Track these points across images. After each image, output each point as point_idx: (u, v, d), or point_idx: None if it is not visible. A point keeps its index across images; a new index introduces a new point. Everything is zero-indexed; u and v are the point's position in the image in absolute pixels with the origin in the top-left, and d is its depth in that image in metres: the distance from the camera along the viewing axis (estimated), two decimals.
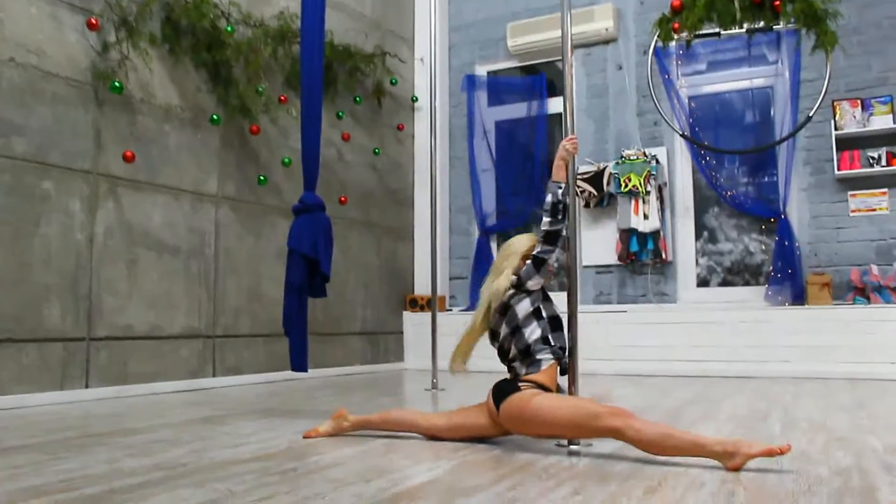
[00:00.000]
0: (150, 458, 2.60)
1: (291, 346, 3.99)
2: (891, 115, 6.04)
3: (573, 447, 2.79)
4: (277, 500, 2.00)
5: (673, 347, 6.23)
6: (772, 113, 6.68)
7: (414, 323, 7.44)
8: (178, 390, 5.06)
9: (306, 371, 4.05)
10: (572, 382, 2.94)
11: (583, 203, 6.94)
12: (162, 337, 5.04)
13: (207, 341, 5.37)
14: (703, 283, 6.80)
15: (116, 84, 4.68)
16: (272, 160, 5.98)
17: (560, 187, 2.98)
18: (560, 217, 2.95)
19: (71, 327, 4.49)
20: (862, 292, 5.95)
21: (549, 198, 2.96)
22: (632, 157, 6.69)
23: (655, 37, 5.75)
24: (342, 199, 6.64)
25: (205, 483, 2.20)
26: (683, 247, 6.81)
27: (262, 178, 5.78)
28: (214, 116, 5.38)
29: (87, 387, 4.54)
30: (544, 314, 2.95)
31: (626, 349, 6.37)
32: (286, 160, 5.95)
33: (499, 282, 3.00)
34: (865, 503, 1.95)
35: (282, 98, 5.91)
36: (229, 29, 5.49)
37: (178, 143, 5.24)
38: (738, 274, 6.69)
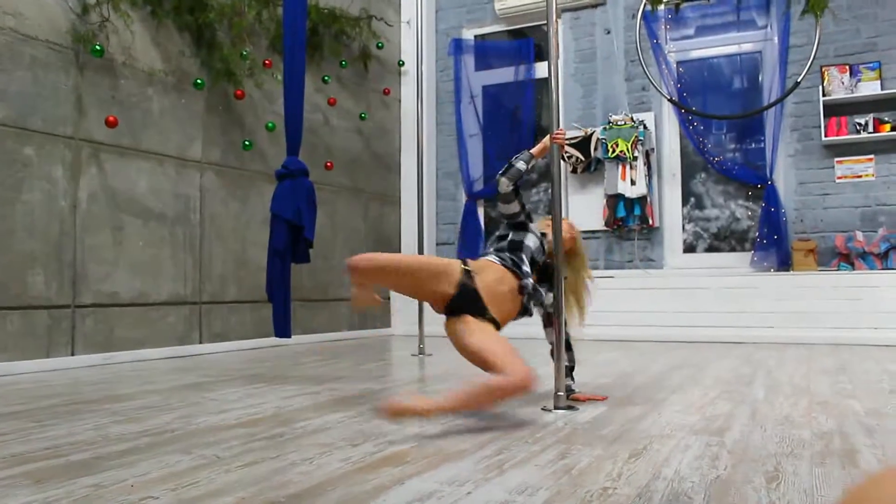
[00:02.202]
0: (138, 425, 2.60)
1: (275, 312, 4.00)
2: (878, 82, 6.03)
3: (558, 410, 2.81)
4: (264, 465, 2.00)
5: (659, 313, 6.27)
6: (760, 78, 6.66)
7: None
8: (165, 357, 5.05)
9: (289, 337, 4.06)
10: (558, 349, 2.94)
11: (570, 168, 6.92)
12: (148, 304, 5.02)
13: (194, 308, 5.36)
14: (689, 248, 6.82)
15: (97, 47, 4.60)
16: (257, 125, 5.93)
17: (529, 160, 3.13)
18: (508, 188, 3.11)
19: (56, 295, 4.46)
20: (847, 258, 5.99)
21: (519, 164, 3.11)
22: (619, 123, 6.66)
23: (644, 0, 5.70)
24: (328, 164, 6.59)
25: (192, 449, 2.20)
26: (670, 213, 6.82)
27: (247, 143, 5.73)
28: (198, 81, 5.31)
29: (73, 354, 4.53)
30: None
31: (613, 314, 6.39)
32: (270, 125, 5.89)
33: None
34: (846, 465, 1.97)
35: (266, 62, 5.84)
36: None
37: (161, 107, 5.17)
38: (725, 240, 6.71)
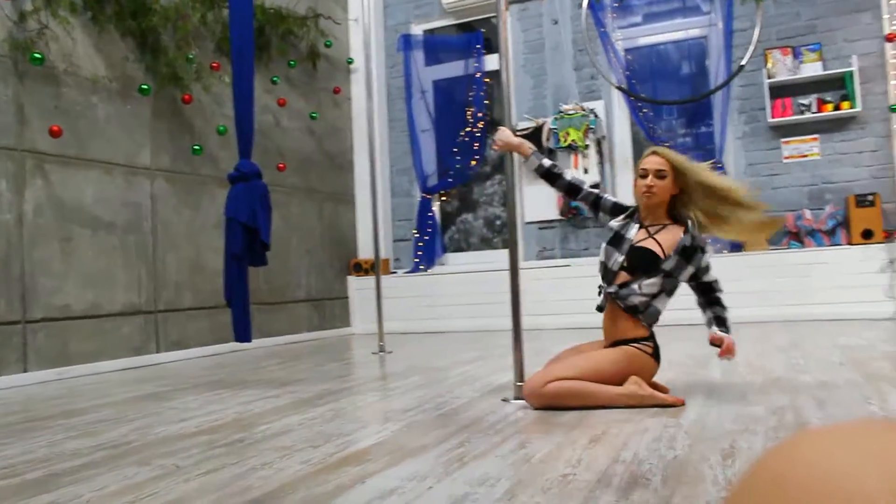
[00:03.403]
0: (93, 439, 2.55)
1: (234, 317, 3.96)
2: (820, 63, 6.16)
3: (516, 401, 2.83)
4: (224, 471, 1.98)
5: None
6: (707, 63, 6.75)
7: (359, 287, 7.43)
8: (122, 368, 4.97)
9: (250, 341, 4.03)
10: (516, 339, 2.96)
11: (522, 159, 6.94)
12: (102, 315, 4.94)
13: (149, 317, 5.28)
14: None
15: (37, 55, 4.50)
16: (207, 129, 5.85)
17: (536, 158, 3.09)
18: (554, 181, 3.07)
19: (5, 310, 4.36)
20: (796, 236, 6.11)
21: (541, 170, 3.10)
22: (570, 112, 6.71)
23: None
24: (280, 165, 6.54)
25: (150, 460, 2.17)
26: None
27: (196, 147, 5.65)
28: (144, 86, 5.22)
29: (25, 371, 4.43)
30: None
31: (571, 303, 6.44)
32: (221, 128, 5.82)
33: None
34: None
35: (214, 65, 5.77)
36: None
37: (107, 115, 5.08)
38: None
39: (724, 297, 2.87)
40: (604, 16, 6.86)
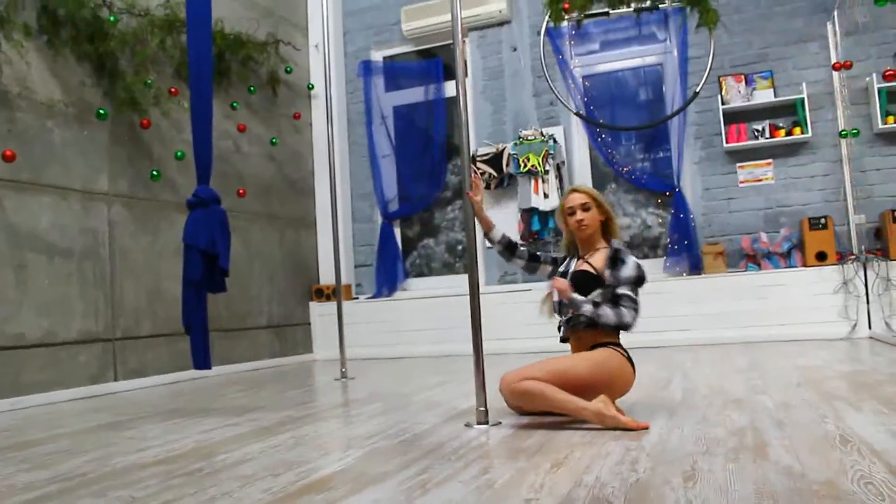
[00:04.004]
0: (47, 471, 2.49)
1: (193, 344, 3.91)
2: (772, 90, 6.31)
3: (480, 426, 2.82)
4: (182, 502, 1.95)
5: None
6: (663, 90, 6.87)
7: (321, 313, 7.38)
8: (79, 398, 4.86)
9: (209, 368, 3.97)
10: (478, 363, 2.95)
11: (483, 185, 6.99)
12: (57, 343, 4.83)
13: (107, 345, 5.18)
14: None
15: None
16: (165, 154, 5.80)
17: (496, 233, 3.26)
18: (513, 251, 3.29)
19: None
20: (753, 259, 6.22)
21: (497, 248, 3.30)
22: (529, 138, 6.78)
23: (547, 17, 5.83)
24: (241, 191, 6.49)
25: (106, 492, 2.12)
26: None
27: (155, 173, 5.59)
28: (101, 111, 5.17)
29: None
30: None
31: (533, 327, 6.45)
32: (179, 154, 5.77)
33: None
34: (758, 458, 2.04)
35: (172, 90, 5.73)
36: (112, 19, 5.28)
37: (63, 139, 5.01)
38: (638, 247, 6.88)
39: (621, 312, 2.89)
40: (562, 43, 6.96)
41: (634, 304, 2.91)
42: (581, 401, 2.69)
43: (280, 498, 1.93)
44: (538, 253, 3.26)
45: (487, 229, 3.20)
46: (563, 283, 2.93)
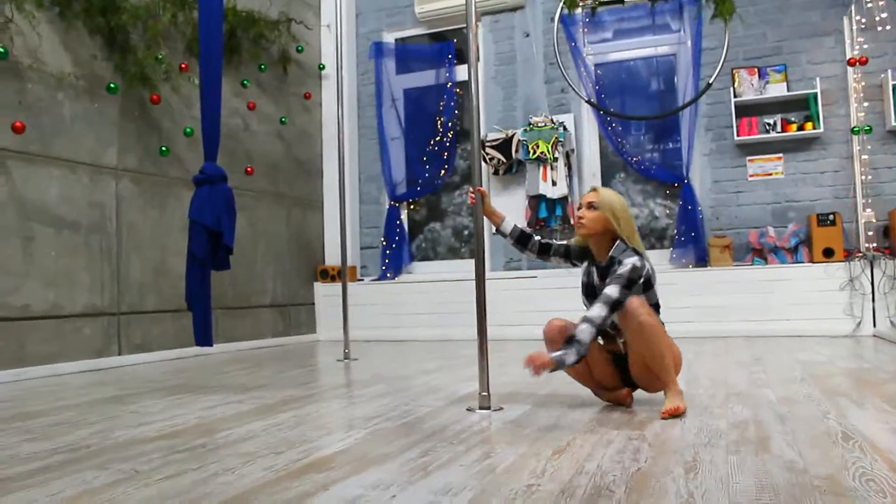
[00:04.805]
0: (51, 442, 2.50)
1: (195, 321, 3.92)
2: (785, 84, 6.27)
3: (482, 410, 2.83)
4: (185, 477, 1.95)
5: (582, 311, 6.34)
6: (675, 80, 6.83)
7: (325, 294, 7.39)
8: (82, 370, 4.89)
9: (211, 345, 3.99)
10: (482, 349, 2.96)
11: (492, 170, 6.97)
12: (63, 316, 4.85)
13: (112, 319, 5.20)
14: None
15: (0, 49, 4.42)
16: (175, 130, 5.79)
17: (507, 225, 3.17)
18: (526, 242, 3.16)
19: None
20: (760, 253, 6.20)
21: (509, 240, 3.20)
22: (539, 125, 6.75)
23: (561, 4, 5.79)
24: (249, 169, 6.49)
25: (108, 464, 2.13)
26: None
27: (164, 149, 5.59)
28: (112, 85, 5.16)
29: None
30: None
31: (537, 314, 6.46)
32: (188, 130, 5.77)
33: None
34: (760, 451, 2.04)
35: (183, 66, 5.72)
36: None
37: (73, 112, 5.00)
38: (645, 238, 6.86)
39: (592, 321, 2.64)
40: (575, 31, 6.92)
41: (607, 303, 2.66)
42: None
43: (281, 476, 1.93)
44: (550, 242, 3.17)
45: (498, 223, 3.14)
46: (538, 359, 2.50)
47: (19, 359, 4.55)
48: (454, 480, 1.84)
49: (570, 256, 3.10)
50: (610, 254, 2.85)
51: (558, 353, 2.54)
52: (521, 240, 3.15)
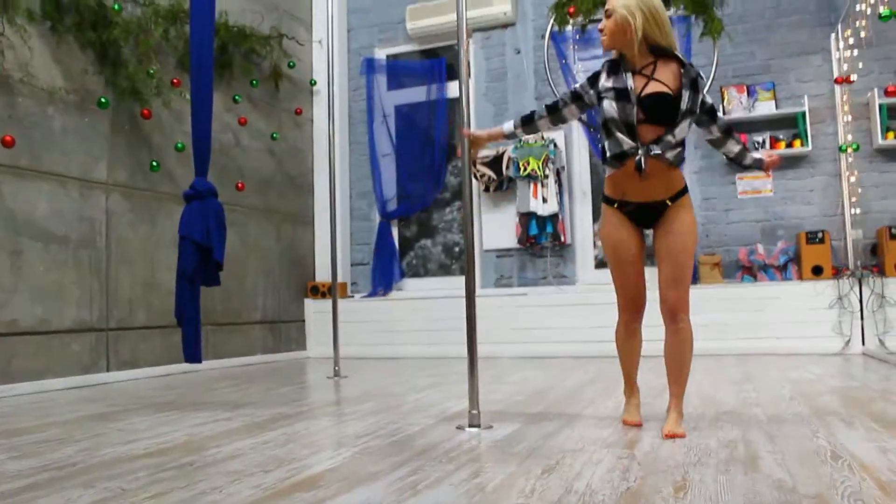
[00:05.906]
0: (37, 459, 2.48)
1: (184, 337, 3.90)
2: (773, 101, 6.31)
3: (471, 429, 2.82)
4: (171, 496, 1.94)
5: (573, 329, 6.36)
6: None
7: (315, 310, 7.37)
8: (70, 387, 4.85)
9: (200, 362, 3.97)
10: (471, 366, 2.95)
11: (482, 187, 6.99)
12: (50, 331, 4.82)
13: (100, 334, 5.17)
14: (601, 264, 6.96)
15: None
16: (165, 145, 5.78)
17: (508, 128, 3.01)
18: (532, 123, 2.97)
19: None
20: (749, 271, 6.23)
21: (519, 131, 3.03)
22: (530, 142, 6.77)
23: (551, 21, 5.83)
24: (239, 185, 6.48)
25: (95, 482, 2.12)
26: (581, 229, 6.95)
27: (154, 163, 5.58)
28: (102, 99, 5.15)
29: None
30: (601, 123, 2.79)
31: (527, 331, 6.48)
32: (179, 145, 5.76)
33: None
34: (749, 471, 2.04)
35: (174, 81, 5.72)
36: (116, 7, 5.27)
37: (63, 126, 4.99)
38: None
39: (744, 146, 3.00)
40: (566, 47, 6.96)
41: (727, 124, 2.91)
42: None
43: (270, 495, 1.92)
44: (555, 101, 2.91)
45: (500, 134, 2.99)
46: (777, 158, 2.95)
47: (6, 374, 4.51)
48: (443, 500, 1.83)
49: (582, 99, 2.83)
50: (686, 63, 2.67)
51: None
52: (527, 124, 2.95)
